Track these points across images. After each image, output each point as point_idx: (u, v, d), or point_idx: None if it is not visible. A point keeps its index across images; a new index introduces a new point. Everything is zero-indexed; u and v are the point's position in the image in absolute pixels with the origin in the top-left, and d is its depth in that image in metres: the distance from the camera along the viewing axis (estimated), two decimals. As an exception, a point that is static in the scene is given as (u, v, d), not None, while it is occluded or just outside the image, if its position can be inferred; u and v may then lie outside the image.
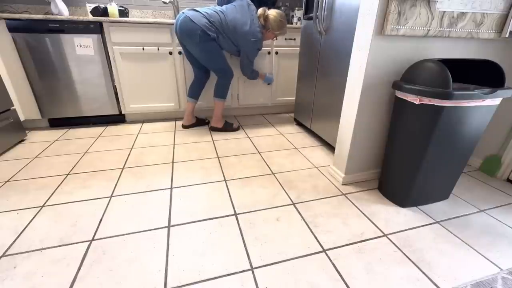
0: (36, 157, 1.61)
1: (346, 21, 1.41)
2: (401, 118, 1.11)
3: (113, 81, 2.05)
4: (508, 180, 1.44)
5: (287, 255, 0.93)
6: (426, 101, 0.98)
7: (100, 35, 1.89)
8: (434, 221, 1.12)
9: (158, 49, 2.03)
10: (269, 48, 2.26)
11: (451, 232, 1.06)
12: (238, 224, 1.07)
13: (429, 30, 1.09)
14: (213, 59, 1.82)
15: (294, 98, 2.53)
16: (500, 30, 1.20)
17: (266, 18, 1.80)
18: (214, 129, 2.08)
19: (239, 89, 2.35)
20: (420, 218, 1.14)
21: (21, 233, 1.00)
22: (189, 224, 1.07)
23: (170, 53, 2.06)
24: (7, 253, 0.91)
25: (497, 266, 0.91)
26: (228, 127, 2.08)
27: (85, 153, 1.67)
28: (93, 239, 0.98)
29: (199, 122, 2.19)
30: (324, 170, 1.52)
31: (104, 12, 2.05)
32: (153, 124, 2.22)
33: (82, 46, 1.88)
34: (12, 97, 1.84)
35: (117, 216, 1.11)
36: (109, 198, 1.22)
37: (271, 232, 1.03)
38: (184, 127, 2.14)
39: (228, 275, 0.85)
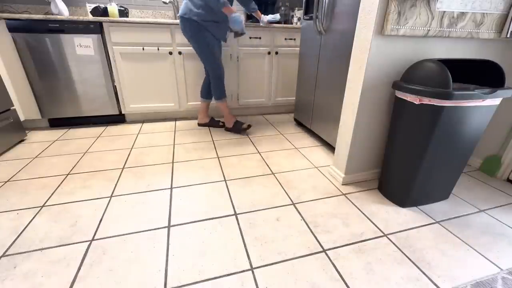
0: (36, 157, 1.61)
1: (346, 21, 1.41)
2: (401, 118, 1.11)
3: (113, 81, 2.05)
4: (508, 180, 1.44)
5: (287, 255, 0.93)
6: (426, 101, 0.98)
7: (100, 35, 1.89)
8: (434, 221, 1.12)
9: (158, 49, 2.03)
10: (269, 48, 2.26)
11: (451, 232, 1.06)
12: (238, 224, 1.07)
13: (429, 30, 1.09)
14: (203, 51, 1.79)
15: (294, 98, 2.54)
16: (500, 30, 1.20)
17: None
18: (228, 130, 2.09)
19: (238, 89, 2.35)
20: (420, 218, 1.14)
21: (21, 233, 1.00)
22: (189, 224, 1.07)
23: (170, 53, 2.06)
24: (7, 253, 0.91)
25: (497, 266, 0.91)
26: (237, 127, 2.02)
27: (85, 153, 1.67)
28: (93, 239, 0.98)
29: (212, 123, 2.17)
30: (324, 170, 1.52)
31: (104, 12, 2.05)
32: (153, 124, 2.22)
33: (82, 46, 1.88)
34: (12, 97, 1.84)
35: (117, 216, 1.11)
36: (109, 198, 1.22)
37: (271, 232, 1.03)
38: (199, 125, 2.19)
39: (228, 275, 0.85)
